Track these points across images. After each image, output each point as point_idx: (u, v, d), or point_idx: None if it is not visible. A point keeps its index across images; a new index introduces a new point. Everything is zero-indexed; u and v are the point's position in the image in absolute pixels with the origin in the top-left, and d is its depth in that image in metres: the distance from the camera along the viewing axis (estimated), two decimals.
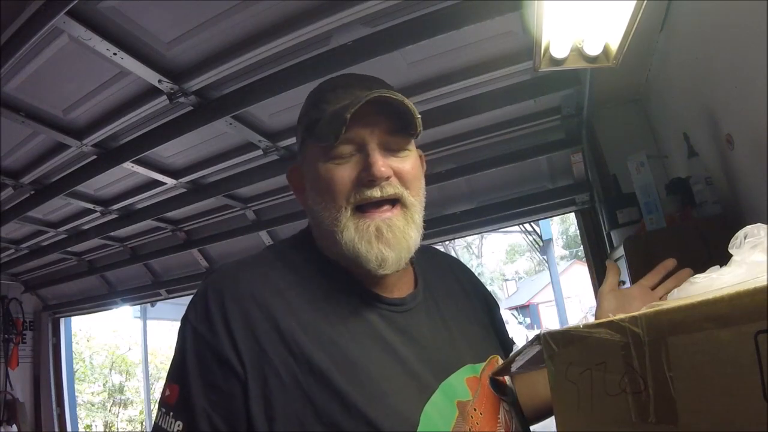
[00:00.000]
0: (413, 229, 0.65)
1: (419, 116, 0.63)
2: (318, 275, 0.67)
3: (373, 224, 0.63)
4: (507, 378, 0.72)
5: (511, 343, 0.87)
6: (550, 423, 0.56)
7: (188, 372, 0.59)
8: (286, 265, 0.67)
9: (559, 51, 0.73)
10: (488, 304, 0.86)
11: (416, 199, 0.66)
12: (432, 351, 0.66)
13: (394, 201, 0.65)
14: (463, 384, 0.65)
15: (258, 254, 0.70)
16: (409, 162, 0.67)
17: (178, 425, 0.57)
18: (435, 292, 0.75)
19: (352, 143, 0.64)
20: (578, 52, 0.75)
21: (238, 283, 0.62)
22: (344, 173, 0.63)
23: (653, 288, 0.80)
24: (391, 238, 0.63)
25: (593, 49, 0.72)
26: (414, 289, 0.73)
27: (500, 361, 0.72)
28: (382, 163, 0.62)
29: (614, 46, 0.72)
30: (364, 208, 0.63)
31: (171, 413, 0.58)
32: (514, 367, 0.64)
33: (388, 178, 0.63)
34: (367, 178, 0.62)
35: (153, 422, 0.61)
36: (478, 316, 0.79)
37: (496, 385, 0.69)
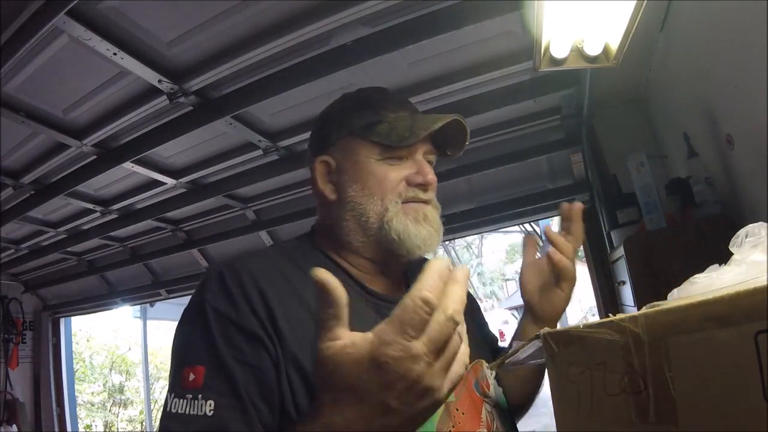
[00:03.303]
0: (441, 225, 0.76)
1: (468, 142, 0.77)
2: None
3: (421, 210, 0.72)
4: (491, 381, 0.76)
5: (495, 338, 0.95)
6: (550, 423, 0.55)
7: (218, 350, 0.57)
8: (291, 260, 0.69)
9: (559, 51, 0.73)
10: (471, 308, 0.88)
11: (438, 206, 0.77)
12: None
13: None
14: None
15: (260, 249, 0.74)
16: (434, 175, 0.77)
17: (210, 405, 0.55)
18: None
19: (407, 151, 0.73)
20: (578, 52, 0.75)
21: (250, 265, 0.64)
22: (398, 174, 0.72)
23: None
24: (433, 223, 0.73)
25: (593, 49, 0.72)
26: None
27: (484, 366, 0.76)
28: (432, 173, 0.74)
29: (614, 46, 0.72)
30: (407, 202, 0.73)
31: (200, 395, 0.55)
32: (510, 365, 0.64)
33: (433, 185, 0.74)
34: (421, 181, 0.72)
35: (170, 413, 0.56)
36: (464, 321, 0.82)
37: (479, 387, 0.73)
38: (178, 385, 0.57)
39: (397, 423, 0.43)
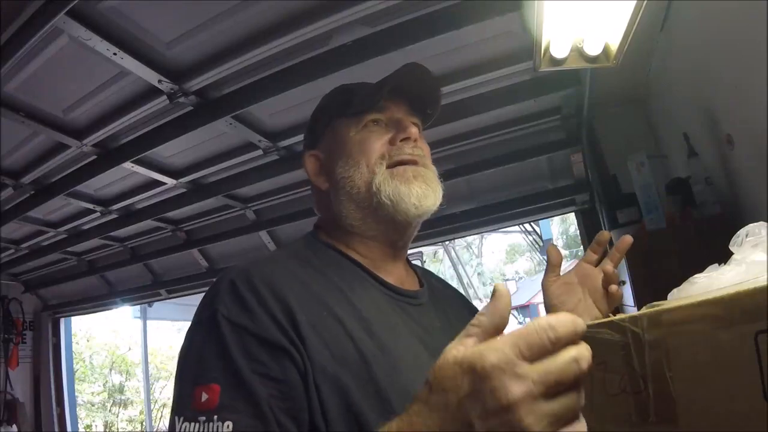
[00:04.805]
0: (439, 184, 0.72)
1: (442, 90, 0.75)
2: (333, 268, 0.68)
3: (410, 169, 0.70)
4: None
5: None
6: None
7: (235, 364, 0.52)
8: (300, 261, 0.66)
9: (559, 51, 0.73)
10: (471, 309, 0.88)
11: (435, 170, 0.74)
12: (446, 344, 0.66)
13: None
14: None
15: (269, 254, 0.72)
16: (424, 142, 0.75)
17: (228, 426, 0.49)
18: (438, 294, 0.78)
19: (383, 114, 0.73)
20: (578, 52, 0.75)
21: (262, 271, 0.59)
22: (378, 137, 0.71)
23: (596, 264, 0.81)
24: (426, 180, 0.70)
25: (593, 49, 0.72)
26: (420, 288, 0.76)
27: None
28: (412, 127, 0.72)
29: (614, 46, 0.72)
30: (395, 165, 0.70)
31: (215, 416, 0.50)
32: None
33: (416, 140, 0.72)
34: (402, 136, 0.70)
35: None
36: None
37: None
38: (187, 408, 0.51)
39: None
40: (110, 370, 8.80)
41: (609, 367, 0.46)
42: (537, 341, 0.35)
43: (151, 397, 7.31)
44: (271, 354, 0.53)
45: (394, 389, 0.56)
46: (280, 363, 0.53)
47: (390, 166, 0.69)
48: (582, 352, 0.35)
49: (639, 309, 0.49)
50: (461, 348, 0.38)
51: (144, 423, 7.77)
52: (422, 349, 0.63)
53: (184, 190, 2.45)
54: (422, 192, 0.69)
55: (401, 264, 0.75)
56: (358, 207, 0.70)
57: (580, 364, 0.35)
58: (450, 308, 0.77)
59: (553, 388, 0.34)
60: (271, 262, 0.64)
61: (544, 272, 0.82)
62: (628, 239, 0.79)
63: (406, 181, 0.68)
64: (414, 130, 0.71)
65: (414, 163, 0.71)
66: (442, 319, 0.72)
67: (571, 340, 0.35)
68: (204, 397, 0.51)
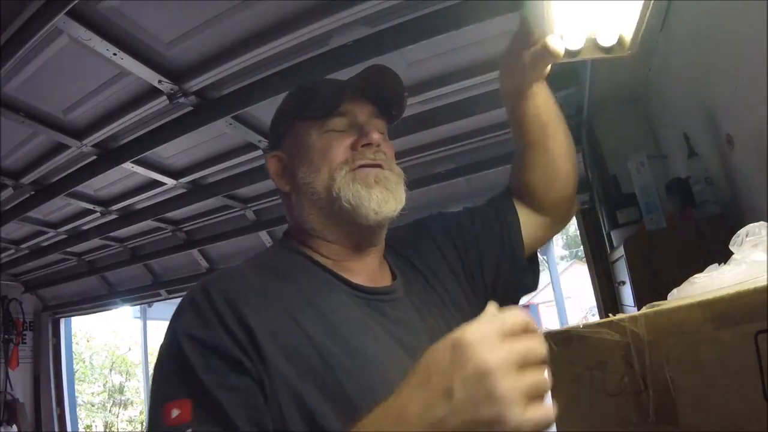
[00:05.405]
0: (402, 187, 0.70)
1: (407, 93, 0.72)
2: (298, 273, 0.67)
3: (372, 174, 0.68)
4: None
5: (502, 236, 0.80)
6: None
7: (199, 378, 0.54)
8: (264, 271, 0.66)
9: (573, 44, 0.72)
10: (455, 245, 0.80)
11: (399, 172, 0.72)
12: (423, 341, 0.64)
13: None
14: None
15: (236, 265, 0.70)
16: (388, 144, 0.73)
17: None
18: (412, 283, 0.74)
19: (346, 118, 0.70)
20: (592, 43, 0.74)
21: (221, 285, 0.60)
22: (341, 141, 0.69)
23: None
24: (387, 185, 0.68)
25: (607, 41, 0.72)
26: (393, 281, 0.73)
27: None
28: (376, 132, 0.70)
29: (628, 36, 0.71)
30: (357, 168, 0.68)
31: (189, 430, 0.52)
32: None
33: (379, 145, 0.69)
34: (364, 141, 0.68)
35: None
36: (455, 292, 0.76)
37: None
38: (159, 425, 0.53)
39: (453, 421, 0.40)
40: (110, 370, 8.80)
41: (609, 367, 0.46)
42: (510, 326, 0.41)
43: None
44: (230, 366, 0.54)
45: (363, 392, 0.55)
46: (238, 374, 0.54)
47: (352, 170, 0.68)
48: (538, 341, 0.42)
49: (639, 309, 0.49)
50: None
51: (144, 423, 7.77)
52: (397, 348, 0.63)
53: (184, 190, 2.46)
54: (382, 197, 0.67)
55: (373, 260, 0.73)
56: (319, 211, 0.69)
57: (541, 349, 0.41)
58: (421, 294, 0.73)
59: (523, 363, 0.40)
60: (233, 275, 0.64)
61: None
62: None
63: (367, 185, 0.66)
64: (376, 136, 0.69)
65: (377, 166, 0.69)
66: (418, 310, 0.70)
67: (530, 331, 0.42)
68: (174, 413, 0.53)
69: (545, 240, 0.87)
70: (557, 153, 0.80)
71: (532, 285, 0.83)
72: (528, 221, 0.81)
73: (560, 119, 0.83)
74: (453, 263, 0.78)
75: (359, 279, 0.69)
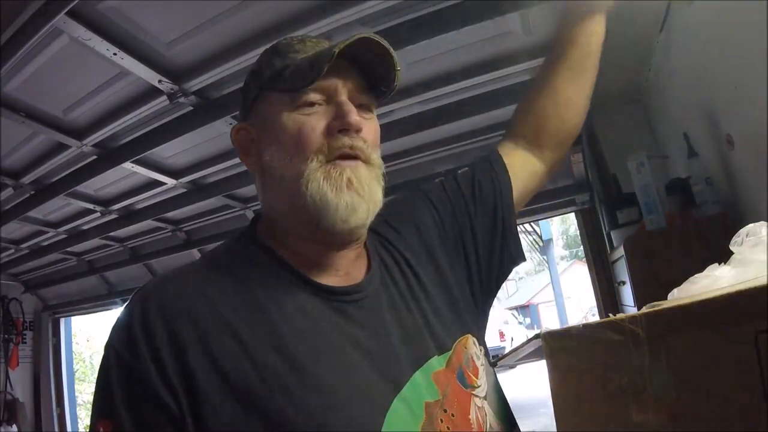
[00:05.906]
0: (378, 186, 0.61)
1: (399, 68, 0.60)
2: (258, 275, 0.60)
3: (345, 173, 0.58)
4: (480, 364, 0.64)
5: (504, 219, 0.78)
6: (550, 423, 0.55)
7: (118, 407, 0.51)
8: (220, 270, 0.60)
9: None
10: (459, 226, 0.75)
11: (379, 163, 0.63)
12: (394, 346, 0.59)
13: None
14: (431, 381, 0.58)
15: (188, 264, 0.64)
16: (373, 125, 0.63)
17: None
18: (391, 272, 0.67)
19: (322, 92, 0.60)
20: None
21: (164, 300, 0.55)
22: (314, 123, 0.59)
23: None
24: (360, 189, 0.58)
25: None
26: (367, 274, 0.65)
27: (471, 340, 0.65)
28: (356, 113, 0.59)
29: None
30: (333, 160, 0.59)
31: None
32: (512, 361, 0.64)
33: (358, 130, 0.59)
34: (340, 126, 0.58)
35: None
36: (447, 279, 0.71)
37: (464, 377, 0.61)
38: None
39: None
40: None
41: (609, 367, 0.46)
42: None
43: None
44: (152, 406, 0.50)
45: (306, 419, 0.51)
46: (156, 416, 0.50)
47: (331, 160, 0.58)
48: None
49: (639, 309, 0.49)
50: None
51: None
52: (359, 356, 0.56)
53: (184, 190, 2.46)
54: (350, 204, 0.57)
55: (348, 253, 0.64)
56: (288, 200, 0.60)
57: None
58: (402, 285, 0.66)
59: None
60: (179, 285, 0.58)
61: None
62: None
63: (337, 189, 0.57)
64: (354, 119, 0.58)
65: (354, 158, 0.59)
66: (393, 307, 0.63)
67: None
68: (100, 430, 0.52)
69: (530, 195, 0.87)
70: (583, 86, 0.83)
71: (521, 255, 0.81)
72: (522, 170, 0.81)
73: (598, 60, 0.84)
74: (443, 237, 0.73)
75: (328, 276, 0.62)
